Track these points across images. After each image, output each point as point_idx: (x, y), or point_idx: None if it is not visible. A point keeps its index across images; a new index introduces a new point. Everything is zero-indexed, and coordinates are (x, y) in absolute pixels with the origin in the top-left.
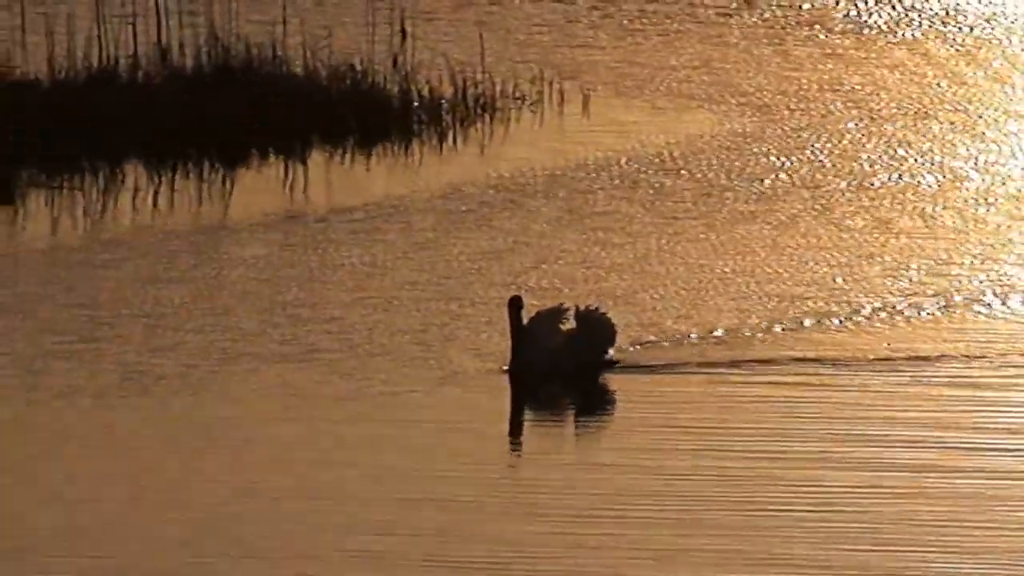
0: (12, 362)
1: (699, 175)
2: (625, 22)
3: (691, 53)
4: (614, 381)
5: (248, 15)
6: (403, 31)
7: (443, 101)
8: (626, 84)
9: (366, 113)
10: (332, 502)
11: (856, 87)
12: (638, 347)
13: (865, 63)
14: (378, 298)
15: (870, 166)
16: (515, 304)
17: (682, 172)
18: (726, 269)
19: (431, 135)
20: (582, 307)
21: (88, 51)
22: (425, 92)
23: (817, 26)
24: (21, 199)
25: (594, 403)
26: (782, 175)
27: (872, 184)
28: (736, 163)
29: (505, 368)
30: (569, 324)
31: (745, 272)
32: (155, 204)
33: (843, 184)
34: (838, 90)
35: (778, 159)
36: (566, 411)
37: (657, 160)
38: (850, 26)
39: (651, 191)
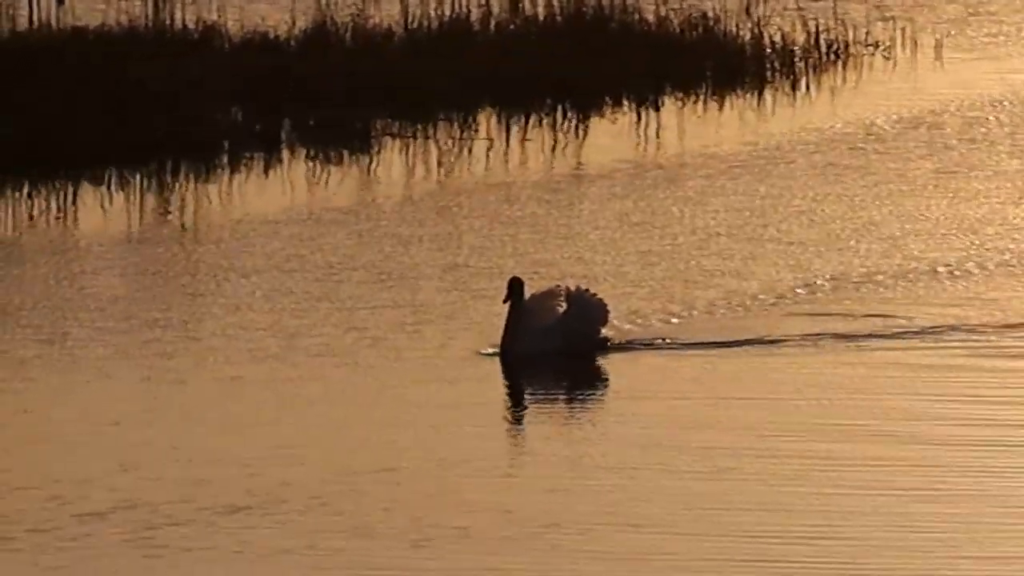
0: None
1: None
2: None
3: None
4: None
5: None
6: None
7: (795, 48)
8: (980, 32)
9: (719, 61)
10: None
11: None
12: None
13: None
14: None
15: None
16: (514, 286)
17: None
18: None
19: (783, 83)
20: (573, 288)
21: (440, 2)
22: (777, 39)
23: None
24: (376, 148)
25: (592, 382)
26: None
27: None
28: None
29: (495, 350)
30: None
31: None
32: (506, 154)
33: None
34: None
35: None
36: (556, 391)
37: (988, 115)
38: None
39: (963, 149)
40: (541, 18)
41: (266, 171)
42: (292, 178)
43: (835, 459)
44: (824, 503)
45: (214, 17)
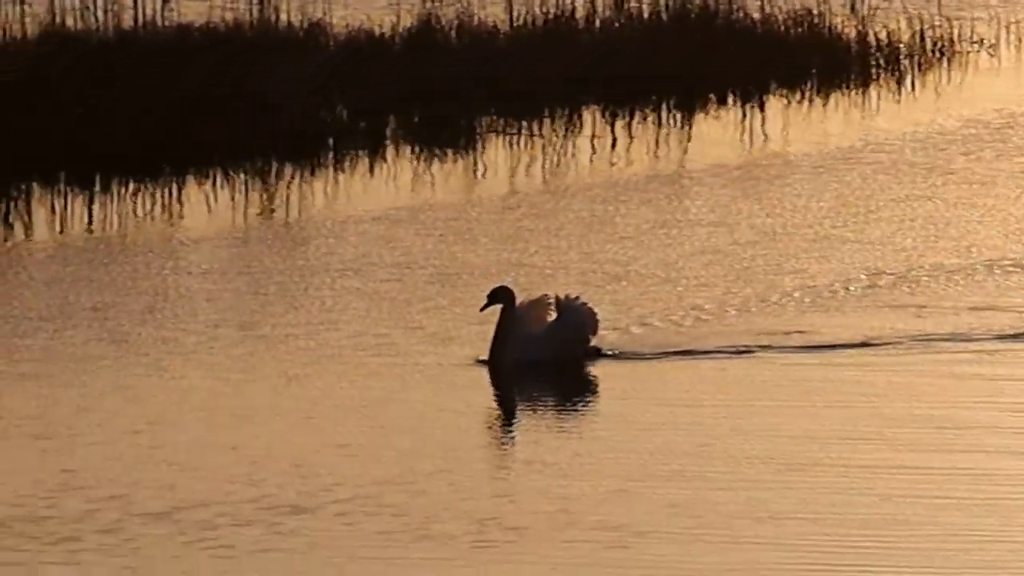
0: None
1: None
2: None
3: None
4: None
5: None
6: None
7: (900, 45)
8: None
9: (824, 58)
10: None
11: None
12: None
13: None
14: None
15: None
16: (499, 295)
17: None
18: None
19: (888, 80)
20: (563, 296)
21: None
22: (883, 36)
23: None
24: (481, 145)
25: (582, 391)
26: None
27: None
28: None
29: (484, 359)
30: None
31: None
32: (612, 150)
33: None
34: None
35: None
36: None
37: None
38: None
39: None
40: (646, 16)
41: (371, 169)
42: (396, 176)
43: (877, 467)
44: (868, 511)
45: (319, 15)
